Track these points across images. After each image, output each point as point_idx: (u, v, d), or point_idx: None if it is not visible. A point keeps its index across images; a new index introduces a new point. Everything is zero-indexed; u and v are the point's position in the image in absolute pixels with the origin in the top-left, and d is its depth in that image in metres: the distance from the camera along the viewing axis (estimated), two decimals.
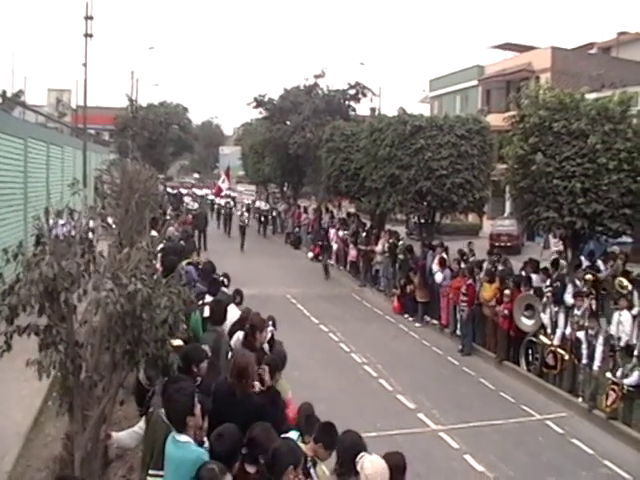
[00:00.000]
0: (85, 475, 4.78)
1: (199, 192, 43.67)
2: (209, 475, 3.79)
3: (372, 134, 18.37)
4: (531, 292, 12.20)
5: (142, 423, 4.97)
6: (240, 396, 5.04)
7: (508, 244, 26.05)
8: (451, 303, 14.37)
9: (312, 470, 4.43)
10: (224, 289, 9.21)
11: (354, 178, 21.52)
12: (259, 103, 32.87)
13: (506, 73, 35.95)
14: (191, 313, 6.66)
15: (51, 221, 5.20)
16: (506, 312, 12.19)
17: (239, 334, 6.81)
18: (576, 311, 10.85)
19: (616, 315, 10.52)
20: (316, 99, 31.26)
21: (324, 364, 12.06)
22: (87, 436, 4.83)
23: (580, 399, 10.35)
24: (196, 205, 29.83)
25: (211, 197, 36.69)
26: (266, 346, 6.80)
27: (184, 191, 42.75)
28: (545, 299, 11.70)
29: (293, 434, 4.74)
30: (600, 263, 14.74)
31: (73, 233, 5.10)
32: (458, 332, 14.00)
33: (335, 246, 22.56)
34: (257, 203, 34.16)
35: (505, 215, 29.26)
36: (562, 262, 14.11)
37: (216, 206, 33.72)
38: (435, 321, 15.38)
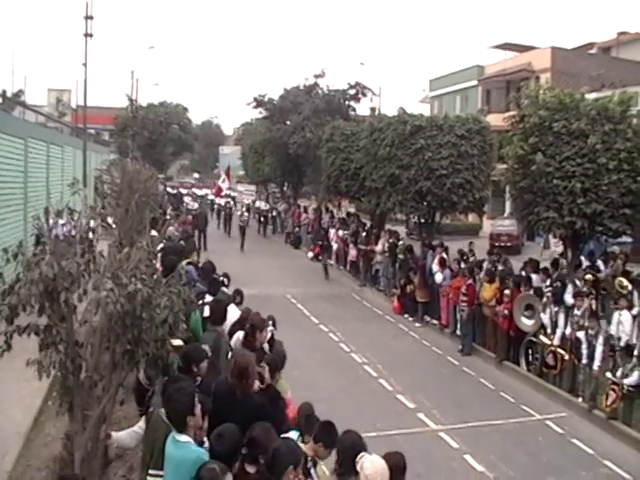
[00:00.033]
0: (85, 475, 4.79)
1: (199, 192, 43.65)
2: (210, 475, 3.79)
3: (372, 134, 18.37)
4: (531, 292, 12.19)
5: (142, 423, 4.96)
6: (240, 396, 5.04)
7: (508, 244, 26.05)
8: (451, 303, 14.37)
9: (312, 470, 4.43)
10: (224, 289, 9.20)
11: (354, 178, 21.53)
12: (259, 103, 32.88)
13: (506, 73, 35.94)
14: (191, 313, 6.66)
15: (51, 221, 5.20)
16: (506, 312, 12.19)
17: (239, 334, 6.81)
18: (576, 311, 10.85)
19: (616, 315, 10.53)
20: (316, 99, 31.26)
21: (324, 364, 12.06)
22: (87, 436, 4.83)
23: (580, 399, 10.35)
24: (196, 205, 29.82)
25: (211, 197, 36.68)
26: (266, 346, 6.81)
27: (184, 191, 42.74)
28: (545, 299, 11.70)
29: (293, 434, 4.74)
30: (600, 263, 14.74)
31: (73, 233, 5.11)
32: (458, 332, 14.00)
33: (335, 246, 22.56)
34: (257, 203, 34.15)
35: (505, 215, 29.26)
36: (562, 262, 14.12)
37: (216, 206, 33.73)
38: (435, 321, 15.37)
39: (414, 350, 13.74)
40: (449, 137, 16.45)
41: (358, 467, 4.09)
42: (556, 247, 17.40)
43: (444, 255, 15.26)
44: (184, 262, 9.20)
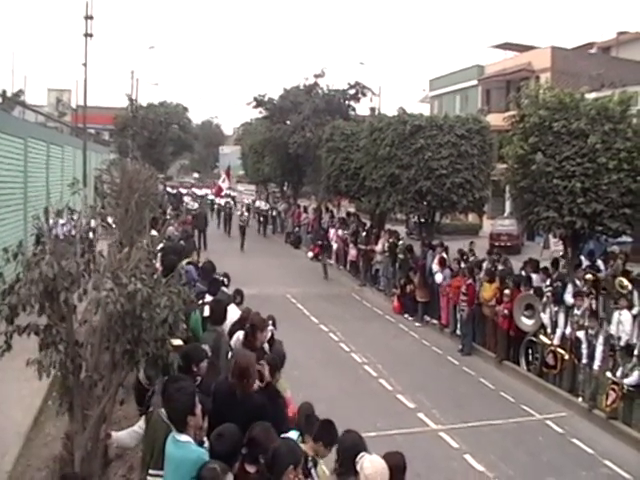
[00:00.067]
0: (85, 474, 4.79)
1: (199, 192, 43.63)
2: (211, 475, 3.78)
3: (372, 134, 18.37)
4: (531, 292, 12.19)
5: (142, 422, 4.96)
6: (240, 396, 5.04)
7: (508, 244, 26.04)
8: (451, 303, 14.37)
9: (312, 470, 4.43)
10: (224, 289, 9.19)
11: (354, 178, 21.52)
12: (259, 103, 32.87)
13: (506, 73, 35.94)
14: (191, 313, 6.66)
15: (51, 221, 5.21)
16: (506, 312, 12.19)
17: (239, 334, 6.80)
18: (576, 311, 10.86)
19: (616, 315, 10.52)
20: (316, 99, 31.25)
21: (324, 364, 12.06)
22: (87, 435, 4.83)
23: (580, 399, 10.35)
24: (196, 205, 29.82)
25: (211, 197, 36.68)
26: (266, 346, 6.80)
27: (184, 191, 42.72)
28: (545, 299, 11.70)
29: (293, 434, 4.74)
30: (600, 263, 14.72)
31: (73, 233, 5.11)
32: (458, 332, 14.00)
33: (335, 246, 22.57)
34: (257, 203, 34.17)
35: (505, 215, 29.24)
36: (562, 262, 14.11)
37: (216, 206, 33.72)
38: (435, 321, 15.37)
39: (414, 350, 13.74)
40: (449, 137, 16.46)
41: (358, 467, 4.09)
42: (556, 247, 17.42)
43: (444, 255, 15.26)
44: (184, 262, 9.19)
